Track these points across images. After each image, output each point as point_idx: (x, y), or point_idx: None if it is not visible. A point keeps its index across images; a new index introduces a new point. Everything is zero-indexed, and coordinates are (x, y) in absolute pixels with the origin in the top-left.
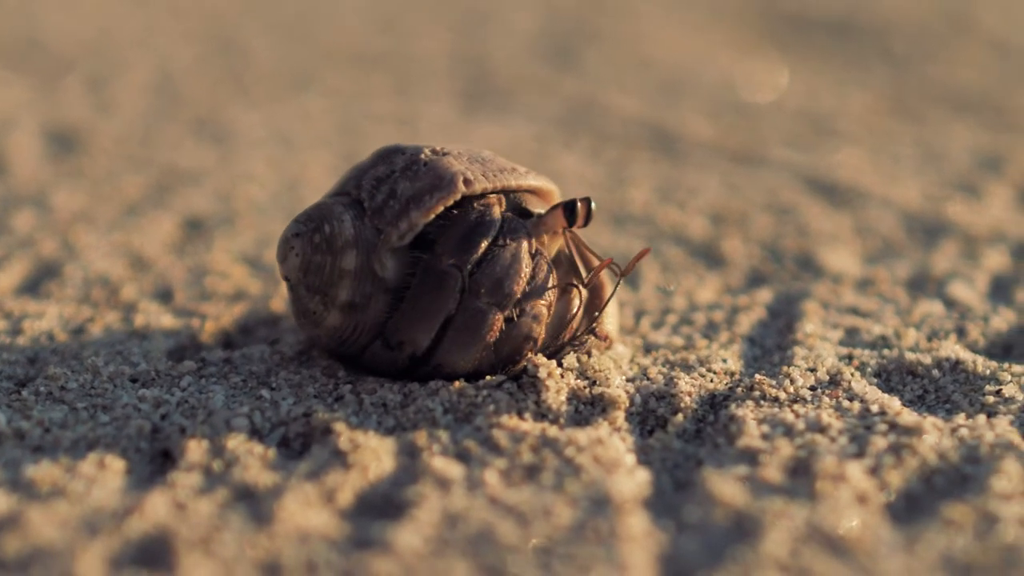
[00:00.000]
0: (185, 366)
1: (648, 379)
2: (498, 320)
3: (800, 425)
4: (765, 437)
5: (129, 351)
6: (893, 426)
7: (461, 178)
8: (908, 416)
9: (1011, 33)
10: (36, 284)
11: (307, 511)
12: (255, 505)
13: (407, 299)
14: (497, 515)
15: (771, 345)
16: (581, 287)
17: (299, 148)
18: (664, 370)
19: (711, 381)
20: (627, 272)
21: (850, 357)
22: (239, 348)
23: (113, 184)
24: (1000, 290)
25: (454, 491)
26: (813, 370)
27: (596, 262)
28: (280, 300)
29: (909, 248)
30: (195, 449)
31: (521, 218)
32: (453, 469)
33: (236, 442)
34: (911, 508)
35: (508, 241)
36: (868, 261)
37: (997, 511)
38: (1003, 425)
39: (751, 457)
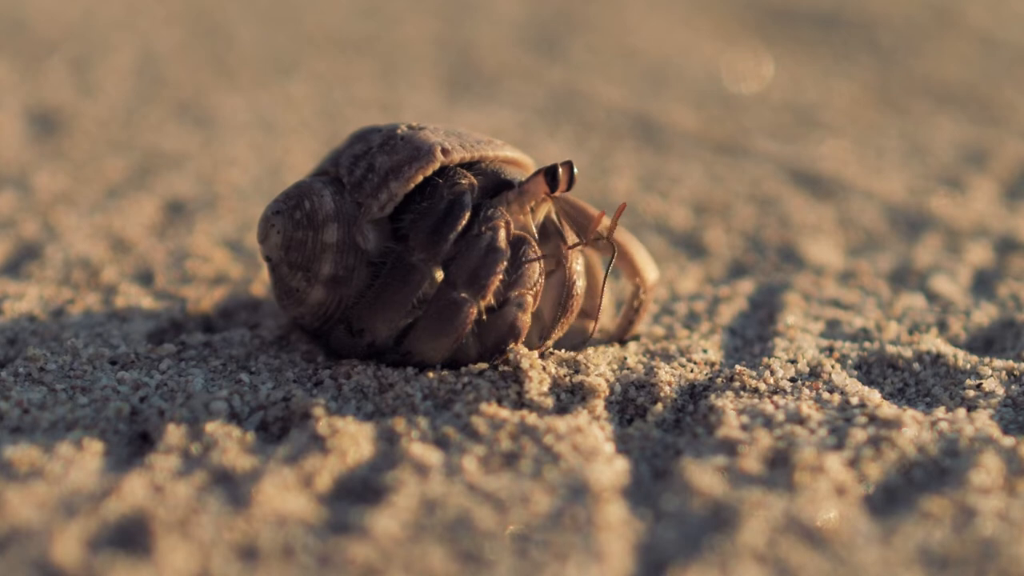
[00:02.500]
0: (165, 349)
1: (628, 368)
2: (472, 312)
3: (779, 416)
4: (744, 428)
5: (109, 333)
6: (873, 419)
7: (439, 148)
8: (888, 409)
9: (997, 27)
10: (17, 265)
11: (285, 495)
12: (233, 488)
13: (375, 287)
14: (475, 501)
15: (752, 336)
16: (573, 249)
17: (281, 133)
18: (644, 359)
19: (691, 371)
20: (612, 230)
21: (831, 349)
22: (219, 332)
23: (95, 166)
24: (982, 284)
25: (432, 477)
26: (793, 361)
27: (591, 218)
28: (261, 284)
29: (892, 241)
30: (173, 432)
31: (502, 189)
32: (431, 455)
33: (215, 425)
34: (889, 500)
35: (484, 229)
36: (850, 253)
37: (975, 505)
38: (983, 419)
39: (730, 447)
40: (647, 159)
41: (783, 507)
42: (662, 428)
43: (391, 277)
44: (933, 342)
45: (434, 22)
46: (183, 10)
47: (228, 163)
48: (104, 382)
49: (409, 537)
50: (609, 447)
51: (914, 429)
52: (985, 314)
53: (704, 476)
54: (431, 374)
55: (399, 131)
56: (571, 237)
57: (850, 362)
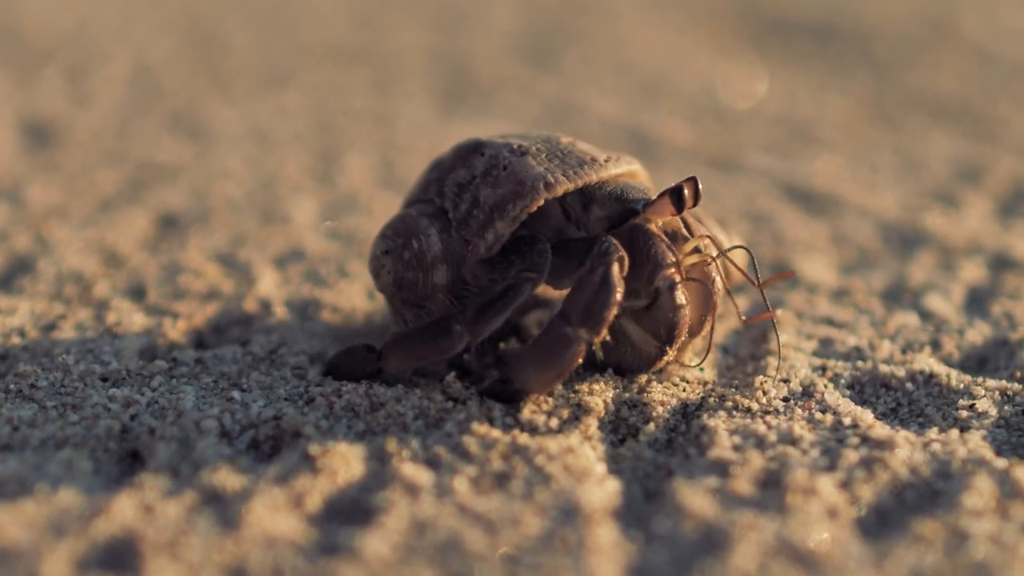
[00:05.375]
0: (156, 366)
1: (621, 387)
2: (582, 348)
3: (772, 437)
4: (736, 448)
5: (100, 349)
6: (865, 439)
7: (542, 183)
8: (880, 429)
9: (992, 41)
10: (8, 279)
11: (275, 516)
12: (223, 509)
13: (412, 325)
14: (465, 523)
15: (745, 355)
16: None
17: (276, 145)
18: (637, 378)
19: (684, 390)
20: (767, 285)
21: (824, 368)
22: (211, 348)
23: (88, 179)
24: (976, 303)
25: (423, 498)
26: (786, 381)
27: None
28: (253, 300)
29: (885, 258)
30: (164, 450)
31: (628, 217)
32: (422, 476)
33: (205, 444)
34: (881, 523)
35: (597, 264)
36: (844, 271)
37: (967, 528)
38: (976, 440)
39: (722, 468)
40: None
41: (775, 530)
42: (654, 448)
43: (429, 328)
44: (926, 361)
45: (429, 33)
46: (177, 18)
47: (222, 176)
48: (95, 399)
49: (399, 559)
50: (601, 468)
51: (907, 450)
52: (978, 333)
53: (696, 498)
54: (418, 391)
55: (502, 156)
56: (698, 229)
57: (843, 381)
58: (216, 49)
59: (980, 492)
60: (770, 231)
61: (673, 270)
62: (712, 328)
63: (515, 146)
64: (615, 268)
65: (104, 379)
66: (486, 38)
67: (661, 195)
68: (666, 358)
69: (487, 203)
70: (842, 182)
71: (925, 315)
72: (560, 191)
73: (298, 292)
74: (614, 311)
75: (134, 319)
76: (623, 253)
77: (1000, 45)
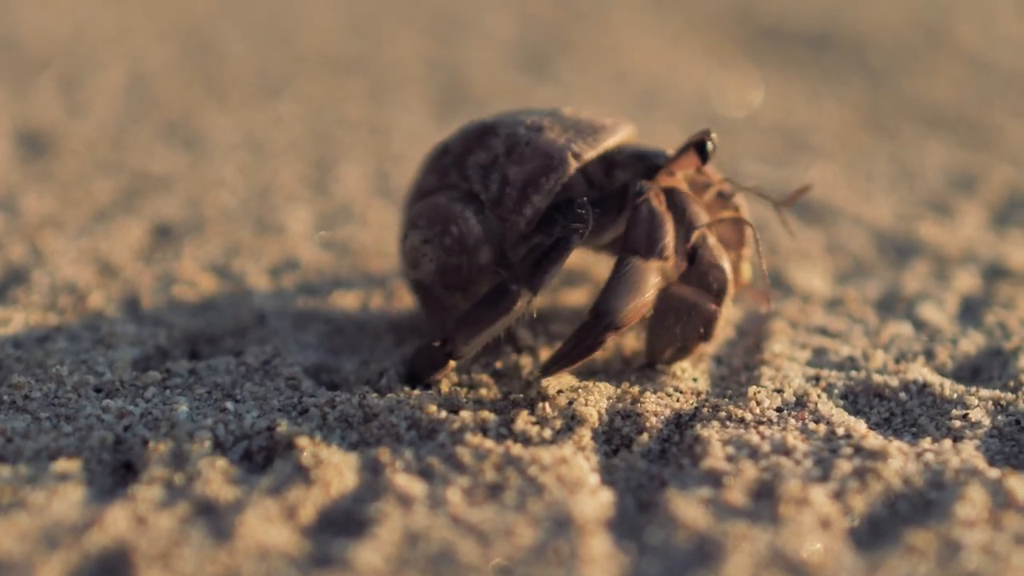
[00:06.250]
0: (150, 376)
1: (614, 397)
2: (658, 275)
3: (765, 447)
4: (730, 459)
5: (94, 360)
6: (858, 450)
7: (569, 152)
8: (874, 440)
9: (988, 49)
10: (2, 290)
11: (268, 527)
12: (216, 520)
13: (473, 305)
14: (458, 534)
15: (738, 364)
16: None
17: (270, 154)
18: (631, 388)
19: (678, 400)
20: (788, 204)
21: (817, 378)
22: (205, 359)
23: (83, 188)
24: (969, 312)
25: (416, 509)
26: (780, 391)
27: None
28: (247, 311)
29: (880, 267)
30: (157, 461)
31: (653, 173)
32: (415, 486)
33: (199, 455)
34: (874, 533)
35: (639, 202)
36: (838, 280)
37: (960, 538)
38: (969, 450)
39: (715, 479)
40: None
41: (768, 540)
42: (647, 459)
43: (487, 296)
44: (920, 371)
45: (425, 42)
46: (173, 27)
47: (216, 185)
48: (89, 410)
49: (392, 571)
50: (594, 478)
51: (900, 460)
52: (972, 342)
53: (689, 509)
54: (411, 401)
55: (520, 134)
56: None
57: (836, 391)
58: (212, 58)
59: (973, 502)
60: (764, 240)
61: (707, 226)
62: (762, 259)
63: (528, 122)
64: (654, 201)
65: (98, 390)
66: (482, 47)
67: (684, 148)
68: (730, 292)
69: (518, 180)
70: (837, 191)
71: (919, 325)
72: (587, 159)
73: (292, 302)
74: (672, 237)
75: (128, 330)
76: (657, 188)
77: (995, 53)
